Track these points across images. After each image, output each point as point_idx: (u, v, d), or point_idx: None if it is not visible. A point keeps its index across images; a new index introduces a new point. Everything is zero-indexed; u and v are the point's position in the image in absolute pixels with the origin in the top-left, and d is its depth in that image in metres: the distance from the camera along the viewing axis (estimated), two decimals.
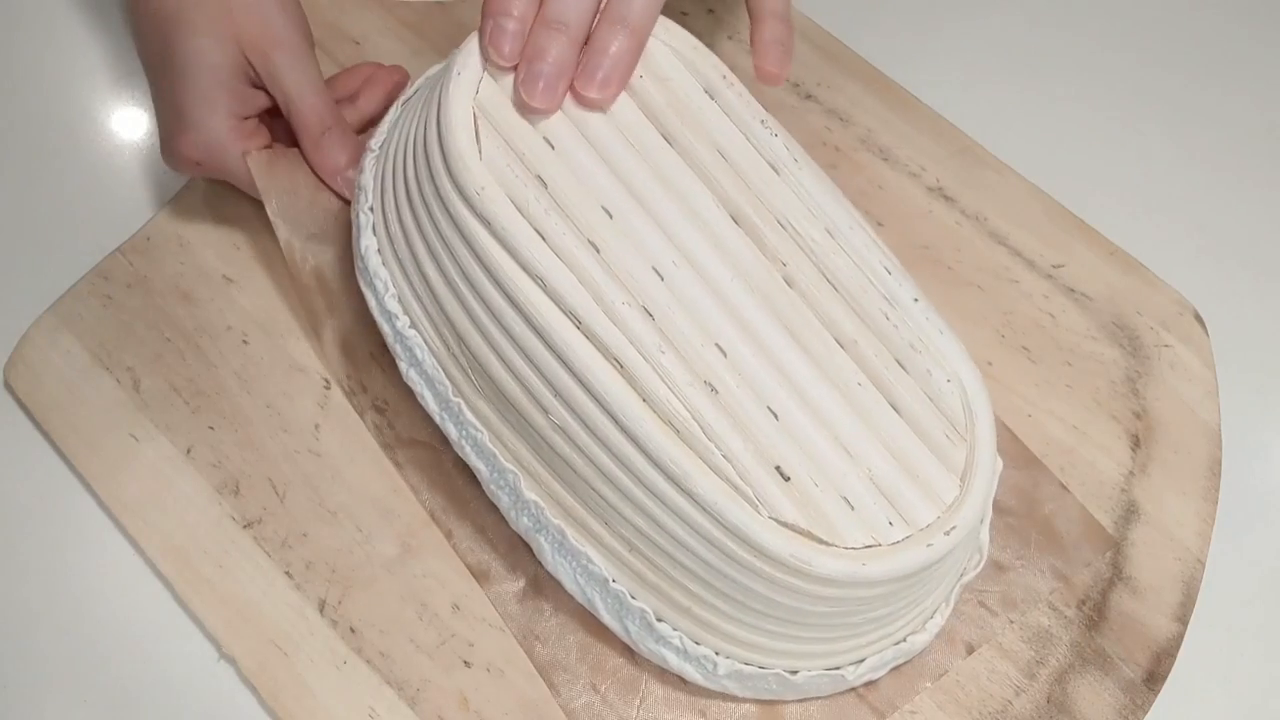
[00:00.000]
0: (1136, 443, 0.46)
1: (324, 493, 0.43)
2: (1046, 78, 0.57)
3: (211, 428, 0.44)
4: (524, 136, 0.37)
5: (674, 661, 0.38)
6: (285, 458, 0.44)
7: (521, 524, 0.40)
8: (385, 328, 0.41)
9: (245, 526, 0.43)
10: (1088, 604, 0.43)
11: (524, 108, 0.37)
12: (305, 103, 0.44)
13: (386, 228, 0.40)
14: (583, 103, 0.38)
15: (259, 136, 0.44)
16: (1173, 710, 0.42)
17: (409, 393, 0.44)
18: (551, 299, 0.35)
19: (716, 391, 0.35)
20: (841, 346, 0.37)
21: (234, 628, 0.41)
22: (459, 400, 0.39)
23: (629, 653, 0.41)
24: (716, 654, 0.38)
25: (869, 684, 0.41)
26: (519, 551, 0.42)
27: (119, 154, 0.51)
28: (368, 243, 0.40)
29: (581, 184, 0.37)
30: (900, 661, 0.40)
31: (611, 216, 0.37)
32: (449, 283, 0.37)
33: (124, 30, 0.53)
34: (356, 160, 0.45)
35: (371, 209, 0.41)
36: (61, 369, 0.45)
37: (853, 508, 0.35)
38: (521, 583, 0.42)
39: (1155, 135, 0.56)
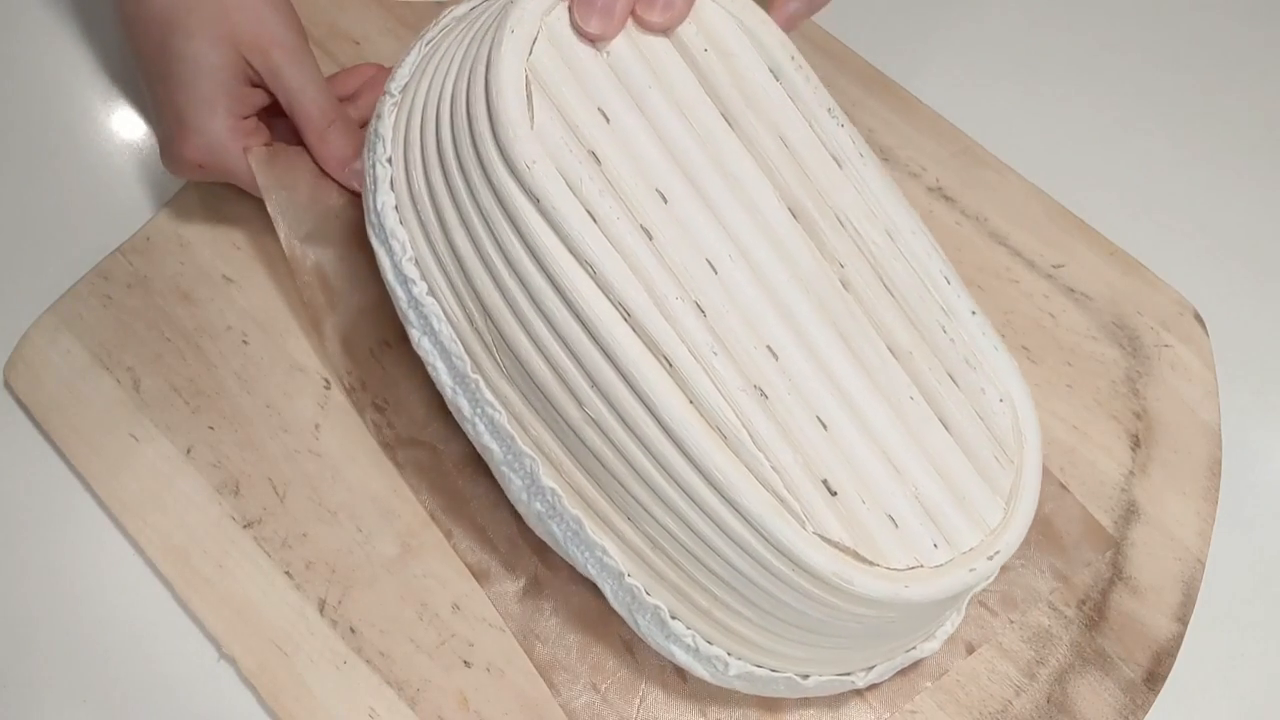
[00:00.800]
0: (1136, 443, 0.46)
1: (324, 493, 0.43)
2: (1046, 78, 0.57)
3: (211, 428, 0.44)
4: (578, 107, 0.35)
5: (682, 658, 0.38)
6: (285, 458, 0.44)
7: (533, 509, 0.38)
8: (399, 292, 0.38)
9: (245, 526, 0.43)
10: (1088, 604, 0.43)
11: (579, 35, 0.35)
12: (308, 96, 0.44)
13: (409, 184, 0.37)
14: (645, 27, 0.36)
15: (259, 135, 0.44)
16: (1173, 710, 0.42)
17: (410, 391, 0.44)
18: (600, 288, 0.33)
19: (767, 397, 0.34)
20: (895, 357, 0.36)
21: (234, 628, 0.41)
22: (477, 377, 0.37)
23: (629, 653, 0.41)
24: (729, 655, 0.37)
25: (870, 684, 0.41)
26: (519, 551, 0.42)
27: (119, 154, 0.51)
28: (384, 199, 0.37)
29: (636, 164, 0.35)
30: (906, 665, 0.40)
31: (666, 202, 0.35)
32: (482, 255, 0.35)
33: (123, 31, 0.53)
34: (361, 153, 0.45)
35: (390, 161, 0.38)
36: (61, 369, 0.45)
37: (897, 527, 0.34)
38: (521, 582, 0.42)
39: (1155, 135, 0.56)
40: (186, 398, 0.45)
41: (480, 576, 0.42)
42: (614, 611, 0.42)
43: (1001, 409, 0.36)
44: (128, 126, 0.52)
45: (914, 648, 0.39)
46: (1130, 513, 0.45)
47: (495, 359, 0.36)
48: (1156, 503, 0.45)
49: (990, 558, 0.35)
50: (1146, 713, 0.42)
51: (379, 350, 0.45)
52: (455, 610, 0.42)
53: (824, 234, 0.36)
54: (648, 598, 0.37)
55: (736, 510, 0.33)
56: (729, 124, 0.36)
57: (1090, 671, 0.42)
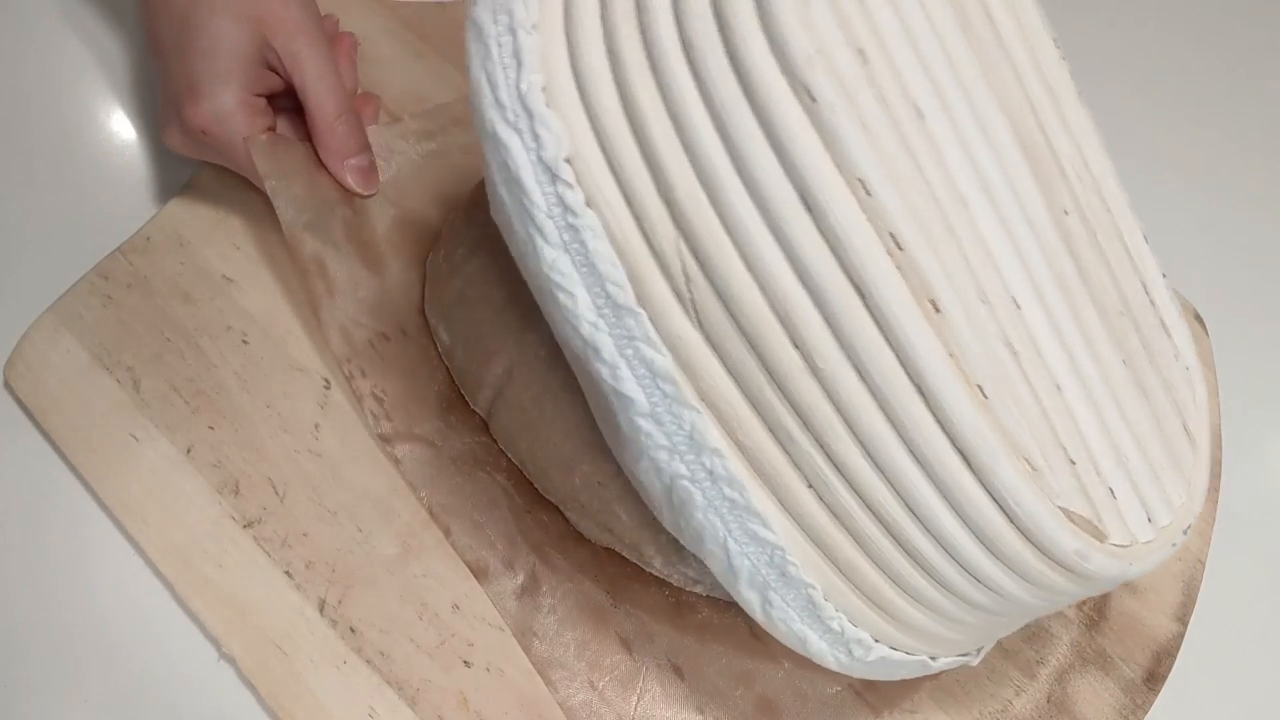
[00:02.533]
0: None
1: (324, 493, 0.43)
2: None
3: (211, 428, 0.44)
4: None
5: (816, 645, 0.33)
6: (285, 458, 0.44)
7: (670, 467, 0.32)
8: (536, 196, 0.30)
9: (245, 526, 0.43)
10: (1088, 604, 0.43)
11: None
12: (325, 84, 0.44)
13: (573, 59, 0.30)
14: None
15: (266, 116, 0.45)
16: (1173, 710, 0.42)
17: (409, 387, 0.44)
18: (869, 212, 0.27)
19: (1017, 354, 0.29)
20: (1106, 318, 0.32)
21: (234, 628, 0.41)
22: (642, 310, 0.30)
23: (627, 650, 0.41)
24: (872, 638, 0.33)
25: (867, 682, 0.41)
26: (517, 548, 0.42)
27: (119, 154, 0.51)
28: (531, 78, 0.30)
29: (895, 67, 0.29)
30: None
31: (922, 117, 0.29)
32: (697, 161, 0.28)
33: (125, 30, 0.53)
34: (365, 150, 0.46)
35: (535, 27, 0.30)
36: (61, 369, 0.45)
37: (1115, 500, 0.31)
38: (520, 579, 0.42)
39: (1155, 136, 0.56)
40: (186, 398, 0.45)
41: (479, 574, 0.42)
42: (612, 608, 0.42)
43: (1185, 378, 0.34)
44: (128, 126, 0.52)
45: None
46: None
47: (680, 289, 0.30)
48: None
49: (1185, 532, 0.32)
50: (1146, 713, 0.42)
51: (378, 342, 0.45)
52: (455, 610, 0.42)
53: (1051, 176, 0.32)
54: (802, 576, 0.32)
55: (983, 480, 0.29)
56: (963, 30, 0.31)
57: (1090, 671, 0.42)
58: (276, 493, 0.43)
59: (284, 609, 0.41)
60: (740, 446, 0.31)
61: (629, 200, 0.30)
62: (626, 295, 0.30)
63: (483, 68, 0.30)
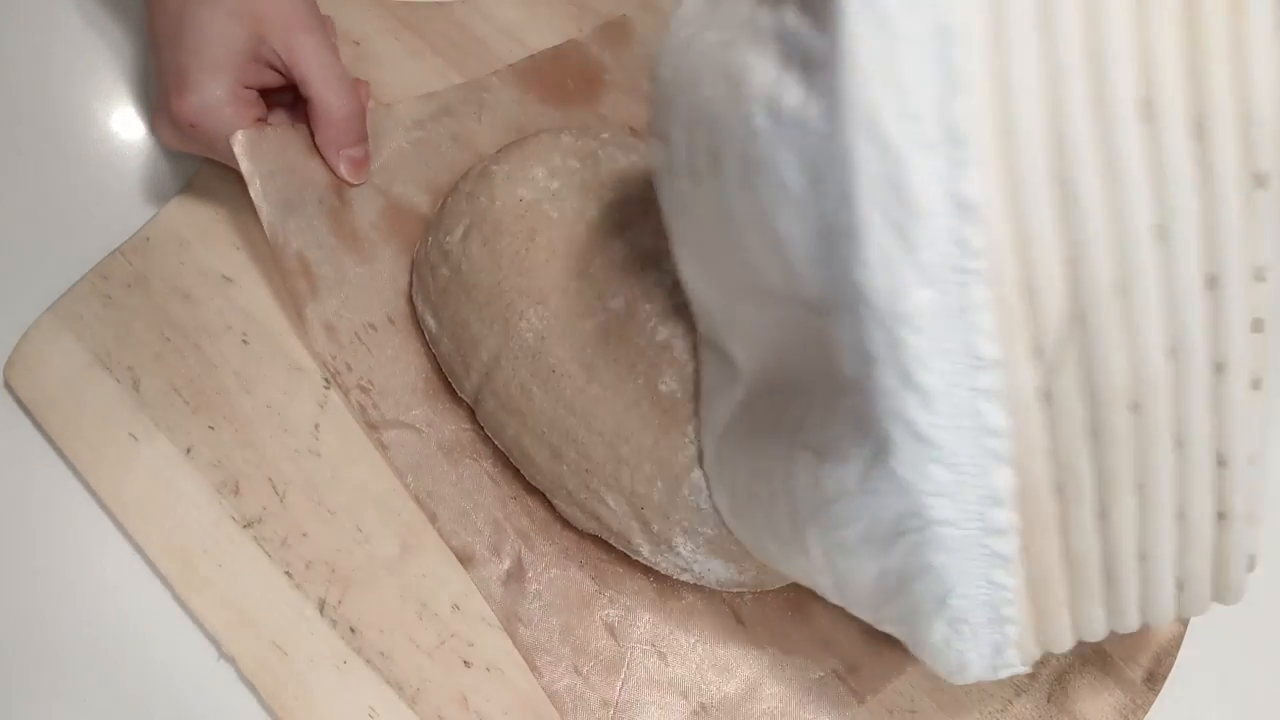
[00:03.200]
0: None
1: (324, 492, 0.43)
2: None
3: (211, 428, 0.44)
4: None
5: (974, 669, 0.33)
6: (285, 458, 0.44)
7: (882, 513, 0.31)
8: (921, 230, 0.26)
9: (245, 526, 0.43)
10: None
11: None
12: (327, 75, 0.44)
13: (1002, 92, 0.26)
14: None
15: (256, 107, 0.45)
16: (1173, 710, 0.42)
17: (395, 375, 0.45)
18: (1252, 299, 0.29)
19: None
20: None
21: (234, 628, 0.41)
22: (1001, 367, 0.28)
23: (611, 635, 0.41)
24: (1018, 658, 0.33)
25: (850, 667, 0.41)
26: (503, 534, 0.43)
27: (119, 154, 0.51)
28: (972, 104, 0.26)
29: None
30: None
31: None
32: (1122, 225, 0.27)
33: (126, 30, 0.53)
34: (362, 141, 0.46)
35: (968, 39, 0.26)
36: (61, 369, 0.45)
37: None
38: (506, 565, 0.42)
39: None
40: (186, 398, 0.45)
41: (464, 560, 0.42)
42: (597, 594, 0.42)
43: None
44: (128, 126, 0.52)
45: None
46: None
47: (1044, 348, 0.28)
48: None
49: None
50: (1146, 713, 0.42)
51: (364, 333, 0.45)
52: (455, 610, 0.42)
53: None
54: (1013, 616, 0.32)
55: (1221, 535, 0.31)
56: None
57: (1090, 671, 0.42)
58: (276, 493, 0.43)
59: (284, 609, 0.41)
60: (1021, 499, 0.30)
61: (1023, 251, 0.27)
62: (991, 348, 0.28)
63: (887, 64, 0.25)
